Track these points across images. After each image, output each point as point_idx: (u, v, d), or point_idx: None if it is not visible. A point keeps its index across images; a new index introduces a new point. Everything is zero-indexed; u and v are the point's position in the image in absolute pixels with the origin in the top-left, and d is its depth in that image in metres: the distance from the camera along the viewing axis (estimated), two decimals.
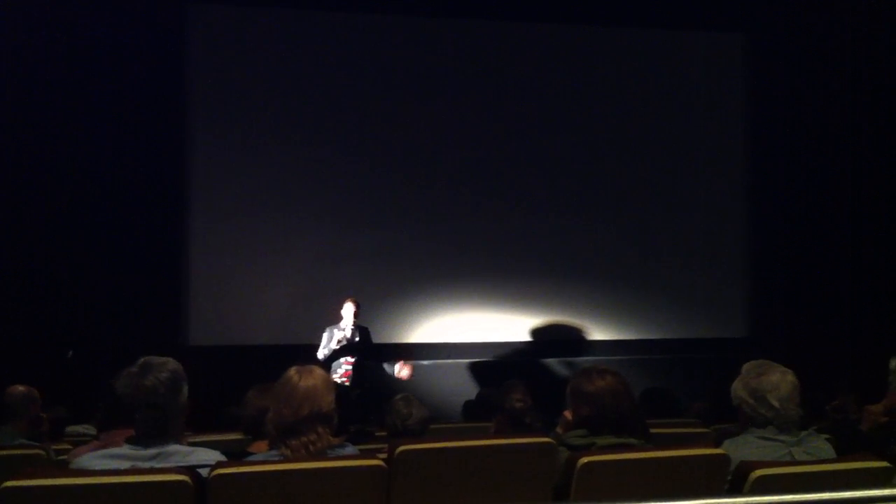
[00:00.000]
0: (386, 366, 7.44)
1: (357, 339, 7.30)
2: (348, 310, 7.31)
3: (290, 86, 8.85)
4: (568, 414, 3.16)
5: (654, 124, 9.50)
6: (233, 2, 8.88)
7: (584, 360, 8.55)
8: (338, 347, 7.22)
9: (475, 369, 8.71)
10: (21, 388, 4.35)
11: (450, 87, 9.15)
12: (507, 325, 9.06)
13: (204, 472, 2.52)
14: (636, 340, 9.23)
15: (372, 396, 6.93)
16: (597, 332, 9.23)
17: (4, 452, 3.71)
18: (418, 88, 9.12)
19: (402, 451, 2.70)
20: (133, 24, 8.19)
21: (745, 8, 9.37)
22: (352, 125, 8.90)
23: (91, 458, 2.64)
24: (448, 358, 8.79)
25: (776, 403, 2.93)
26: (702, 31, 9.72)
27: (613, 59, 9.49)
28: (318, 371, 2.87)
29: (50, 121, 7.93)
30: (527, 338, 9.09)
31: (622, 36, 9.56)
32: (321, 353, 7.21)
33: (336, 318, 7.33)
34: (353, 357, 7.27)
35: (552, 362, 8.87)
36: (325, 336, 7.29)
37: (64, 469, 2.81)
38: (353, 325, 7.31)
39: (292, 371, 2.84)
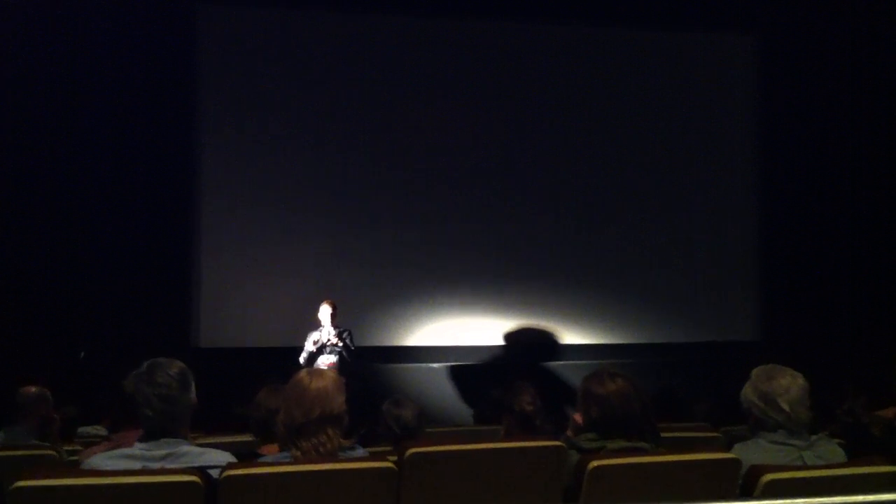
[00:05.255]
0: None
1: (334, 341, 7.18)
2: (325, 312, 7.19)
3: (299, 87, 8.86)
4: (578, 417, 3.15)
5: (664, 127, 9.46)
6: (242, 3, 8.91)
7: (591, 363, 8.50)
8: (314, 350, 7.12)
9: (481, 372, 8.69)
10: (33, 388, 4.37)
11: (460, 90, 9.13)
12: (513, 328, 9.04)
13: (214, 473, 2.53)
14: (645, 344, 9.20)
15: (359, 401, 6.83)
16: (605, 336, 9.20)
17: (16, 453, 3.72)
18: (425, 91, 9.10)
19: (413, 454, 2.71)
20: (143, 23, 8.22)
21: (757, 10, 9.34)
22: (360, 127, 8.90)
23: (102, 459, 2.66)
24: (455, 361, 8.77)
25: (786, 407, 2.92)
26: (713, 33, 9.68)
27: (624, 60, 9.45)
28: (329, 373, 2.88)
29: (61, 121, 7.96)
30: (534, 341, 9.05)
31: (633, 37, 9.52)
32: (301, 358, 7.11)
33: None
34: (332, 359, 7.15)
35: (558, 366, 8.85)
36: (308, 340, 7.23)
37: (75, 469, 2.82)
38: (333, 326, 7.19)
39: (303, 373, 2.85)
